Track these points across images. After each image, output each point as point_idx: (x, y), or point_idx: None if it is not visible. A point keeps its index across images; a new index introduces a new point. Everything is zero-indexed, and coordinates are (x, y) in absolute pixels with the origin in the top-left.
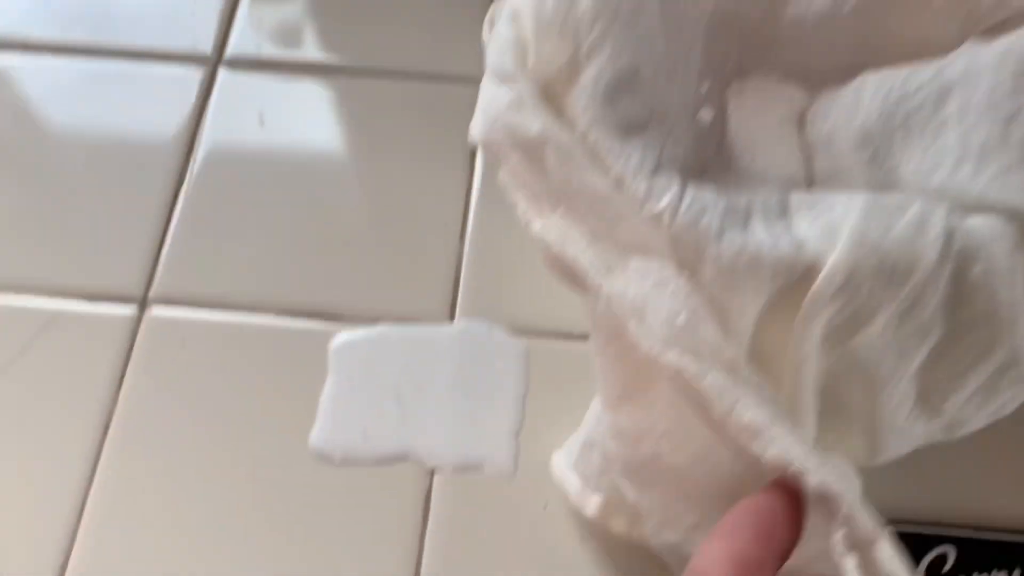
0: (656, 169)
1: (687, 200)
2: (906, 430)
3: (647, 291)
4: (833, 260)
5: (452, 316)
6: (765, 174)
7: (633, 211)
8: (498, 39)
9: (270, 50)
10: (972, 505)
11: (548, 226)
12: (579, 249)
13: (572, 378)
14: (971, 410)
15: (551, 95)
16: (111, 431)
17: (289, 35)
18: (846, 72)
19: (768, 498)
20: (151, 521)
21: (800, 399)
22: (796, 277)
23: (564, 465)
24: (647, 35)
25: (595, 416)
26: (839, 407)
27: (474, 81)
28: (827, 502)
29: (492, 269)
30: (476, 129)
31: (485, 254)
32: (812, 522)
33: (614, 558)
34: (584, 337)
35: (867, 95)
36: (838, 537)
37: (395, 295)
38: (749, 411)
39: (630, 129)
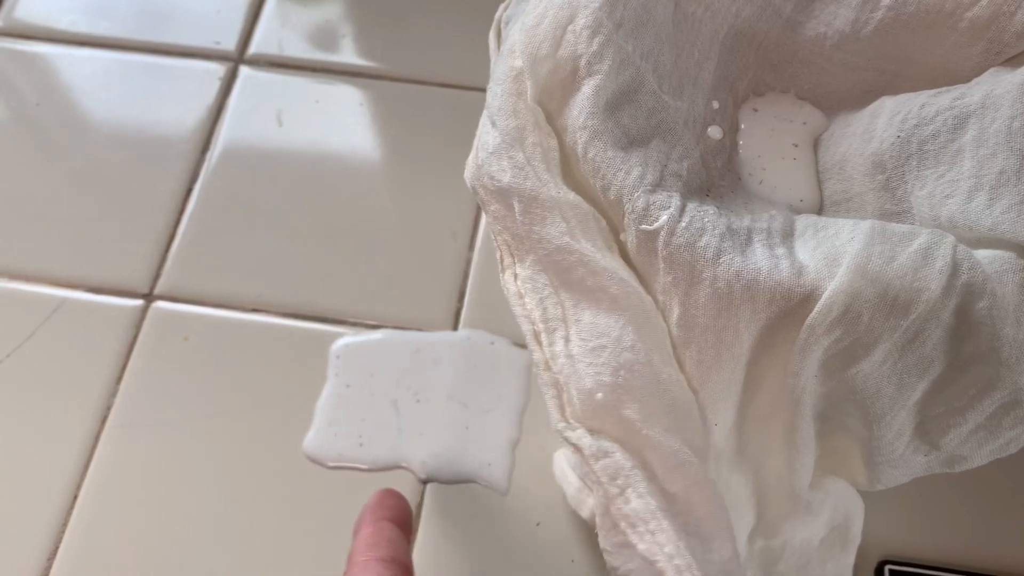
0: (657, 184)
1: (686, 219)
2: (905, 461)
3: (578, 355)
4: (832, 288)
5: (456, 326)
6: (774, 196)
7: (591, 258)
8: (494, 76)
9: (291, 50)
10: (976, 548)
11: (511, 278)
12: (532, 304)
13: None
14: (971, 447)
15: (552, 113)
16: (109, 421)
17: (323, 38)
18: (864, 95)
19: None
20: (141, 512)
21: (798, 425)
22: (794, 303)
23: (564, 464)
24: (653, 48)
25: None
26: (840, 432)
27: None
28: None
29: (499, 281)
30: (467, 172)
31: (493, 265)
32: None
33: None
34: None
35: (883, 120)
36: None
37: (401, 301)
38: (638, 500)
39: (632, 142)
